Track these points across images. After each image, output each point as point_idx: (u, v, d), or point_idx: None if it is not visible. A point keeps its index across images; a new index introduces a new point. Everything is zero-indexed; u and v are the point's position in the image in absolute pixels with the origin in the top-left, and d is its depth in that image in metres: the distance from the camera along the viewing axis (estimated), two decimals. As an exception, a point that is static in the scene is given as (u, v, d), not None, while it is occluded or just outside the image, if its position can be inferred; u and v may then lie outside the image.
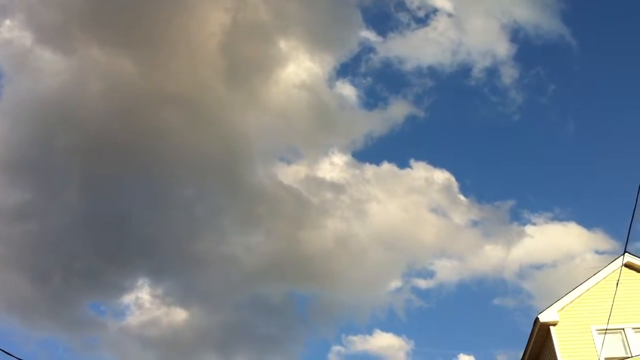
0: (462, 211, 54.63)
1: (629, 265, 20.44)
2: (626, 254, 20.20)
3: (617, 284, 19.40)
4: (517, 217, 57.75)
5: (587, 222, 58.65)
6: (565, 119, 58.50)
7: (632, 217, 13.82)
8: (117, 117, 49.04)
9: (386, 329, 54.93)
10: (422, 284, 54.13)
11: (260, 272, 50.86)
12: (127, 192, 50.11)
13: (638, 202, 12.86)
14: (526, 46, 57.78)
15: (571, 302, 20.21)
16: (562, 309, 20.12)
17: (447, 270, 53.93)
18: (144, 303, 52.15)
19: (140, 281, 52.45)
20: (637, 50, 57.47)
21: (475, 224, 54.98)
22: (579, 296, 20.29)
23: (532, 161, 60.00)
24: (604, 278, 20.30)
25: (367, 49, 58.52)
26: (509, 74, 56.91)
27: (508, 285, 53.02)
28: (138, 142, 49.47)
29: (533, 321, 20.37)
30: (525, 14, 55.82)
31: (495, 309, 52.55)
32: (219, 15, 49.93)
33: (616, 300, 19.12)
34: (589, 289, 20.33)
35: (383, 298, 52.75)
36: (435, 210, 54.25)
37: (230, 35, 50.51)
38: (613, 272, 20.14)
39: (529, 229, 52.93)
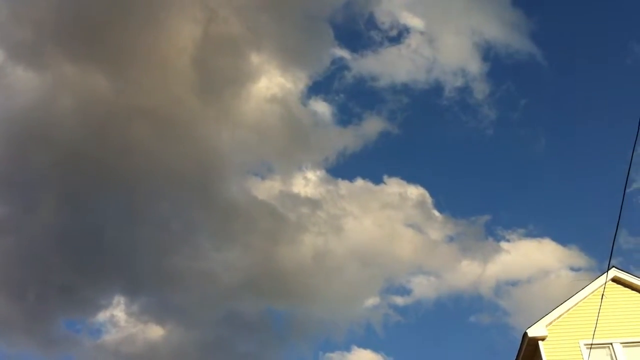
0: (437, 227, 54.88)
1: (616, 280, 20.65)
2: (613, 268, 20.44)
3: (602, 298, 19.60)
4: (492, 233, 58.20)
5: (561, 239, 59.20)
6: (537, 135, 59.35)
7: (616, 231, 14.05)
8: (90, 133, 48.69)
9: (364, 345, 54.78)
10: (400, 300, 54.16)
11: (236, 288, 50.55)
12: (102, 207, 49.59)
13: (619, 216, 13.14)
14: (497, 64, 58.59)
15: (559, 316, 20.32)
16: (551, 323, 20.22)
17: (423, 287, 54.03)
18: (119, 320, 51.42)
19: (116, 298, 51.76)
20: (606, 68, 58.60)
21: (451, 239, 55.27)
22: (567, 311, 20.41)
23: (505, 177, 60.66)
24: (592, 292, 20.44)
25: (340, 65, 58.84)
26: (481, 90, 57.62)
27: (484, 301, 53.26)
28: (112, 157, 49.07)
29: (522, 336, 20.46)
30: (495, 34, 56.71)
31: (472, 326, 52.70)
32: (190, 28, 49.87)
33: (604, 315, 19.32)
34: (577, 304, 20.46)
35: (360, 314, 52.68)
36: (410, 225, 54.46)
37: (202, 49, 50.47)
38: (600, 286, 20.32)
39: (503, 245, 53.34)
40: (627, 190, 12.83)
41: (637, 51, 55.67)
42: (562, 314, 20.41)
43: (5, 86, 49.28)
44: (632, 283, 20.59)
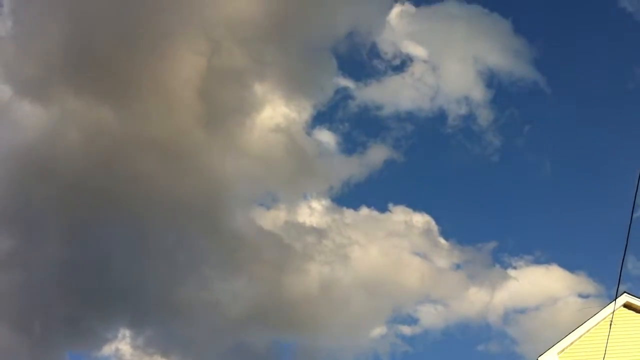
0: (444, 254, 54.58)
1: (628, 306, 20.46)
2: (625, 294, 20.28)
3: (610, 325, 19.44)
4: (499, 260, 57.97)
5: (569, 265, 58.65)
6: (542, 160, 59.39)
7: (624, 257, 14.01)
8: (96, 165, 48.90)
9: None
10: (407, 330, 53.73)
11: (243, 319, 50.16)
12: (107, 239, 49.44)
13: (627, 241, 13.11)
14: (501, 92, 58.81)
15: (571, 344, 20.12)
16: (562, 351, 20.04)
17: (431, 316, 53.61)
18: (124, 354, 51.06)
19: (121, 331, 51.44)
20: (608, 93, 58.90)
21: (457, 267, 54.97)
22: (579, 338, 20.22)
23: (510, 203, 60.47)
24: (604, 319, 20.20)
25: (344, 95, 59.06)
26: (485, 117, 57.72)
27: (492, 330, 52.82)
28: (117, 189, 49.13)
29: (533, 364, 20.33)
30: (498, 61, 57.03)
31: (480, 355, 52.11)
32: (195, 60, 50.31)
33: (617, 342, 19.14)
34: (588, 330, 20.25)
35: (367, 344, 52.11)
36: (416, 254, 54.23)
37: (206, 80, 50.83)
38: (612, 313, 20.18)
39: (510, 272, 53.03)
40: (634, 215, 12.84)
41: (639, 75, 55.95)
42: (574, 341, 20.23)
43: (12, 121, 49.73)
44: (644, 308, 20.47)
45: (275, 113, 53.02)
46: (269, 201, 55.60)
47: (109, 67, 49.36)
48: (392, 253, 53.30)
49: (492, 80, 56.45)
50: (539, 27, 63.38)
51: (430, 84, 57.21)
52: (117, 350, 49.47)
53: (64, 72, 49.60)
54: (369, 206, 55.73)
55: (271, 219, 53.02)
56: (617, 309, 19.93)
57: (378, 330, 51.87)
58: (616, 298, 19.98)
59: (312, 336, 51.96)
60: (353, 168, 56.66)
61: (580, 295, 48.38)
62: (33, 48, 49.54)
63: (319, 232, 52.19)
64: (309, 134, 57.30)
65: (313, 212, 53.31)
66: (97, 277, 47.79)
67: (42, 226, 47.96)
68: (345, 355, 51.44)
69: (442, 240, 54.84)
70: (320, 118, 62.17)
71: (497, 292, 51.28)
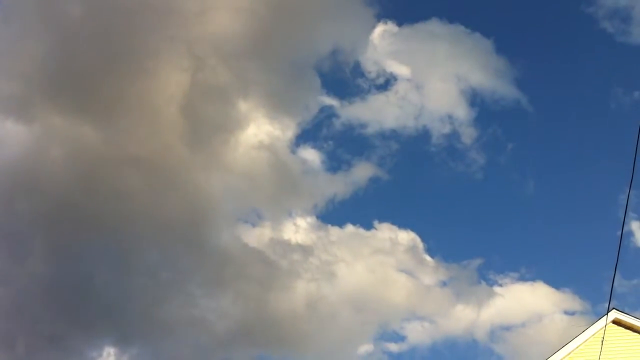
0: (430, 271, 54.69)
1: (617, 322, 20.46)
2: (614, 310, 20.29)
3: (602, 341, 19.42)
4: (485, 277, 58.25)
5: (554, 282, 58.96)
6: (525, 178, 59.82)
7: (614, 273, 14.00)
8: (79, 183, 48.67)
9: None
10: (394, 347, 53.68)
11: (229, 337, 49.83)
12: (91, 257, 49.02)
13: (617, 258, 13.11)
14: (484, 110, 59.33)
15: (560, 360, 20.16)
16: (552, 368, 20.05)
17: (418, 333, 53.65)
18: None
19: (106, 349, 50.98)
20: (590, 112, 59.61)
21: (444, 284, 55.09)
22: (568, 354, 20.16)
23: (495, 220, 60.78)
24: (593, 335, 20.22)
25: (329, 113, 59.31)
26: (468, 135, 58.13)
27: (479, 347, 52.89)
28: (101, 206, 48.84)
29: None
30: (481, 80, 57.55)
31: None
32: (178, 77, 50.34)
33: (606, 358, 19.13)
34: (578, 347, 20.20)
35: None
36: (402, 271, 54.29)
37: (190, 97, 50.85)
38: (600, 329, 20.15)
39: (496, 289, 53.21)
40: (619, 232, 12.84)
41: (620, 96, 56.69)
42: (563, 358, 20.20)
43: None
44: (633, 325, 20.36)
45: (260, 130, 53.15)
46: (254, 218, 55.57)
47: (91, 84, 49.30)
48: (377, 270, 53.33)
49: (475, 99, 56.95)
50: (520, 47, 64.19)
51: (414, 103, 57.58)
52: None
53: (46, 89, 49.46)
54: (354, 223, 55.85)
55: (256, 236, 53.02)
56: (606, 325, 19.90)
57: (365, 348, 51.78)
58: (608, 312, 20.00)
59: (299, 353, 51.73)
60: (338, 186, 56.78)
61: (566, 312, 48.61)
62: (15, 66, 49.43)
63: (304, 250, 52.19)
64: (293, 152, 57.43)
65: (298, 229, 53.35)
66: (81, 295, 47.39)
67: (25, 244, 47.53)
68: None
69: (428, 258, 54.94)
70: (305, 136, 62.42)
71: (483, 309, 51.39)
